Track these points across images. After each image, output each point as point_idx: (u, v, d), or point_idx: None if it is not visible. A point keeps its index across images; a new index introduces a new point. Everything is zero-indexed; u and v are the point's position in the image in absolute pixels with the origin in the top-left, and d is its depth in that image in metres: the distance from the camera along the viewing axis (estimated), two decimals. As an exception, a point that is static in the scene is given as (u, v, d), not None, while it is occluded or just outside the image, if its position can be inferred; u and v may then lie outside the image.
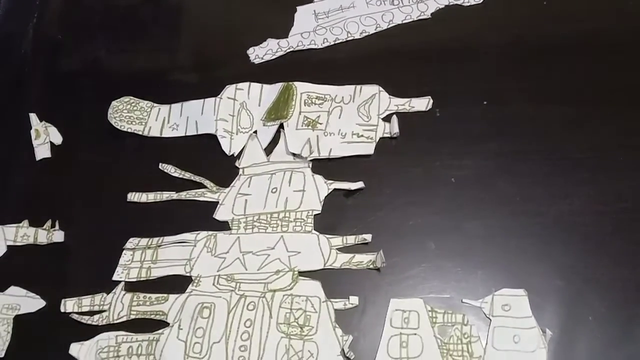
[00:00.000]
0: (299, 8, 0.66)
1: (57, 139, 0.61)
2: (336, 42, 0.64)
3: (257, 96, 0.61)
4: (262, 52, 0.64)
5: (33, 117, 0.62)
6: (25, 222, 0.57)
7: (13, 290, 0.53)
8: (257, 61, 0.64)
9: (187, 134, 0.60)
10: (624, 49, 0.59)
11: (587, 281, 0.48)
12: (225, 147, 0.58)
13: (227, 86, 0.61)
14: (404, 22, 0.64)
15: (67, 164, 0.60)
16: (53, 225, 0.56)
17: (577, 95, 0.57)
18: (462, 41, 0.62)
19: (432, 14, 0.64)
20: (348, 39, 0.64)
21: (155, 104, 0.62)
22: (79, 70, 0.67)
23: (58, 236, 0.56)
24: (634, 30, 0.61)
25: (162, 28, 0.69)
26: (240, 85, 0.61)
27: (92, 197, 0.58)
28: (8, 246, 0.56)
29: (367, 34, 0.64)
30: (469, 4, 0.64)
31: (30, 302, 0.53)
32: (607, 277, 0.49)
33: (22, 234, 0.56)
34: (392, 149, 0.57)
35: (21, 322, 0.52)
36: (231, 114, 0.60)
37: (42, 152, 0.61)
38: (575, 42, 0.61)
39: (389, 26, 0.64)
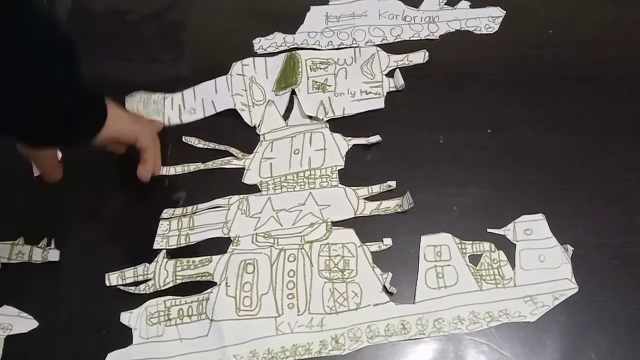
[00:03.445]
0: (312, 8, 0.68)
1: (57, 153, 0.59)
2: (340, 46, 0.65)
3: (263, 69, 0.64)
4: (267, 43, 0.66)
5: None
6: (21, 240, 0.55)
7: (5, 309, 0.52)
8: (259, 51, 0.66)
9: (207, 115, 0.62)
10: (630, 79, 0.61)
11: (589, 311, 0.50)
12: (247, 119, 0.61)
13: (233, 64, 0.63)
14: (411, 39, 0.65)
15: (66, 179, 0.57)
16: (49, 244, 0.55)
17: (582, 126, 0.59)
18: (467, 67, 0.64)
19: (440, 35, 0.66)
20: (352, 45, 0.65)
21: (167, 94, 0.63)
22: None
23: (53, 255, 0.54)
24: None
25: (164, 38, 0.69)
26: (245, 61, 0.64)
27: (98, 202, 0.58)
28: (2, 264, 0.54)
29: (372, 44, 0.65)
30: (480, 32, 0.66)
31: (22, 323, 0.51)
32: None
33: (17, 251, 0.55)
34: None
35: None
36: (244, 88, 0.62)
37: None
38: (580, 72, 0.62)
39: (395, 40, 0.65)
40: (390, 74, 0.62)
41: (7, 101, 0.41)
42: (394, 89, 0.61)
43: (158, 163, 0.57)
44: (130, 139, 0.53)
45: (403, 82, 0.60)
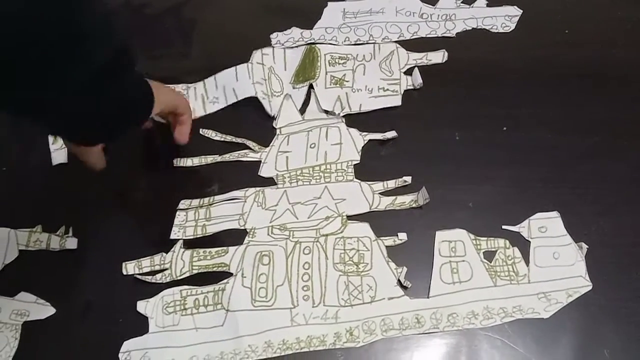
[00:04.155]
0: (329, 4, 0.69)
1: None
2: (357, 42, 0.66)
3: (282, 60, 0.64)
4: (284, 38, 0.67)
5: None
6: (39, 227, 0.56)
7: (23, 296, 0.52)
8: (277, 46, 0.66)
9: (229, 103, 0.62)
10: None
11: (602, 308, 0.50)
12: (267, 108, 0.61)
13: (254, 52, 0.64)
14: (427, 36, 0.66)
15: (84, 170, 0.57)
16: (67, 232, 0.56)
17: (598, 126, 0.59)
18: (484, 65, 0.64)
19: (457, 33, 0.66)
20: (369, 42, 0.66)
21: (189, 85, 0.64)
22: None
23: (71, 243, 0.55)
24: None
25: (181, 33, 0.70)
26: (265, 50, 0.65)
27: (114, 196, 0.58)
28: (20, 251, 0.55)
29: (388, 40, 0.65)
30: (496, 31, 0.66)
31: (39, 309, 0.52)
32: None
33: (34, 239, 0.55)
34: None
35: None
36: (263, 77, 0.63)
37: (59, 157, 0.60)
38: (597, 72, 0.63)
39: (412, 37, 0.66)
40: (409, 72, 0.62)
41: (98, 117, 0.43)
42: (412, 87, 0.62)
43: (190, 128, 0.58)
44: (176, 106, 0.55)
45: (421, 81, 0.61)
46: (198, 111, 0.62)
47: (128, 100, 0.46)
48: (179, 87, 0.64)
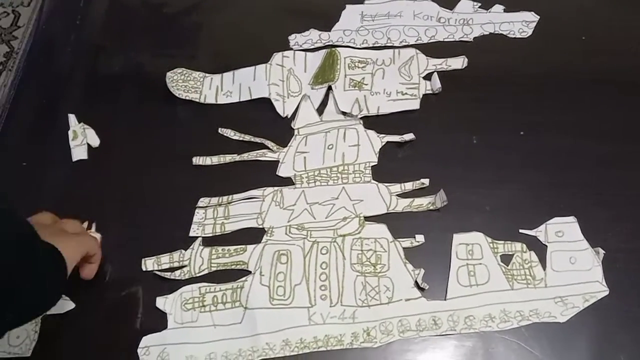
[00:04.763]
0: (348, 6, 0.69)
1: (95, 141, 0.61)
2: (375, 45, 0.66)
3: (302, 63, 0.65)
4: (303, 40, 0.67)
5: (72, 117, 0.63)
6: None
7: None
8: (295, 47, 0.67)
9: (242, 100, 0.63)
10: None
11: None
12: (279, 110, 0.62)
13: (274, 54, 0.64)
14: (445, 39, 0.66)
15: (104, 166, 0.60)
16: (89, 227, 0.56)
17: (614, 132, 0.59)
18: (502, 70, 0.64)
19: (474, 38, 0.66)
20: (387, 45, 0.66)
21: (207, 74, 0.65)
22: (120, 73, 0.67)
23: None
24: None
25: (199, 33, 0.70)
26: (286, 53, 0.65)
27: (131, 195, 0.58)
28: None
29: (406, 44, 0.66)
30: (513, 36, 0.66)
31: (59, 303, 0.51)
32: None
33: None
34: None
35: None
36: (281, 79, 0.63)
37: (78, 153, 0.61)
38: (615, 78, 0.63)
39: (429, 40, 0.66)
40: (427, 77, 0.63)
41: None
42: (430, 92, 0.62)
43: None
44: (85, 253, 0.50)
45: (440, 86, 0.61)
46: (209, 99, 0.63)
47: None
48: (196, 74, 0.64)
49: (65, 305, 0.52)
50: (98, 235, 0.55)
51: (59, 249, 0.44)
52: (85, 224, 0.56)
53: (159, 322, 0.51)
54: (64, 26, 0.72)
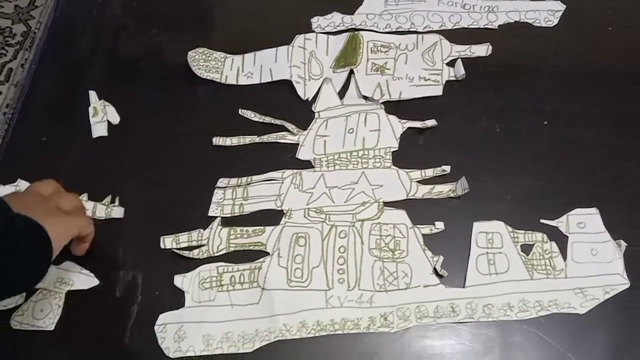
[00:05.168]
0: None
1: (115, 118, 0.61)
2: (398, 29, 0.65)
3: (324, 46, 0.64)
4: (325, 23, 0.67)
5: (92, 94, 0.63)
6: (85, 196, 0.56)
7: (67, 265, 0.53)
8: (317, 30, 0.66)
9: (262, 81, 0.63)
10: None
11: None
12: (300, 92, 0.61)
13: (296, 36, 0.64)
14: (469, 26, 0.65)
15: (123, 143, 0.60)
16: (113, 201, 0.56)
17: (639, 123, 0.58)
18: (526, 58, 0.63)
19: (499, 25, 0.65)
20: (410, 29, 0.65)
21: (228, 55, 0.64)
22: (141, 51, 0.67)
23: (117, 212, 0.56)
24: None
25: (222, 14, 0.70)
26: (308, 35, 0.65)
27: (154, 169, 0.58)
28: None
29: (430, 29, 0.65)
30: (539, 25, 0.66)
31: (83, 279, 0.52)
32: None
33: None
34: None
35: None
36: (302, 61, 0.63)
37: (99, 130, 0.61)
38: (639, 70, 0.62)
39: (453, 27, 0.65)
40: (451, 63, 0.62)
41: None
42: (453, 78, 0.61)
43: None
44: (78, 233, 0.50)
45: (464, 72, 0.60)
46: (230, 79, 0.63)
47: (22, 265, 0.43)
48: (217, 54, 0.64)
49: (89, 281, 0.52)
50: (121, 210, 0.55)
51: (47, 227, 0.44)
52: (109, 198, 0.56)
53: (176, 300, 0.51)
54: (85, 4, 0.71)
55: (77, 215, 0.51)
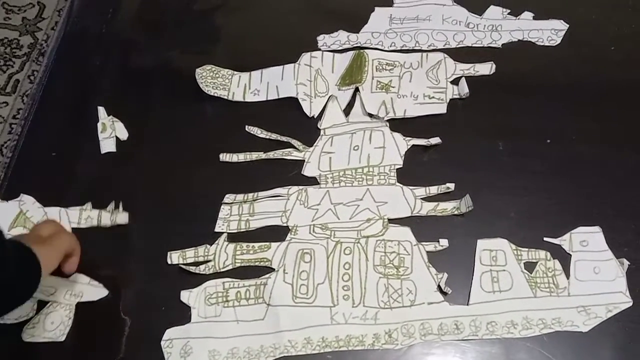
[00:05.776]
0: (377, 9, 0.70)
1: (123, 134, 0.62)
2: (403, 47, 0.66)
3: (330, 63, 0.65)
4: (331, 41, 0.68)
5: (101, 110, 0.64)
6: (89, 205, 0.57)
7: (77, 277, 0.54)
8: (323, 48, 0.67)
9: (269, 99, 0.63)
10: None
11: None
12: (306, 109, 0.62)
13: (302, 54, 0.65)
14: (473, 45, 0.66)
15: (131, 159, 0.61)
16: (117, 207, 0.57)
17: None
18: (529, 77, 0.64)
19: (503, 44, 0.66)
20: (415, 48, 0.66)
21: (235, 72, 0.65)
22: (149, 67, 0.68)
23: (122, 218, 0.56)
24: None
25: (229, 31, 0.71)
26: (314, 53, 0.66)
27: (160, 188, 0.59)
28: (72, 228, 0.56)
29: (434, 47, 0.66)
30: (542, 44, 0.66)
31: (92, 291, 0.53)
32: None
33: (85, 216, 0.56)
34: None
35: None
36: (308, 79, 0.64)
37: (107, 145, 0.61)
38: None
39: (457, 45, 0.66)
40: (455, 82, 0.63)
41: None
42: (457, 96, 0.62)
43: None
44: (66, 254, 0.51)
45: (468, 91, 0.61)
46: (237, 96, 0.64)
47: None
48: (224, 71, 0.65)
49: (98, 292, 0.53)
50: (125, 215, 0.56)
51: (35, 249, 0.45)
52: (112, 205, 0.57)
53: (182, 315, 0.51)
54: (95, 19, 0.73)
55: (60, 234, 0.51)
